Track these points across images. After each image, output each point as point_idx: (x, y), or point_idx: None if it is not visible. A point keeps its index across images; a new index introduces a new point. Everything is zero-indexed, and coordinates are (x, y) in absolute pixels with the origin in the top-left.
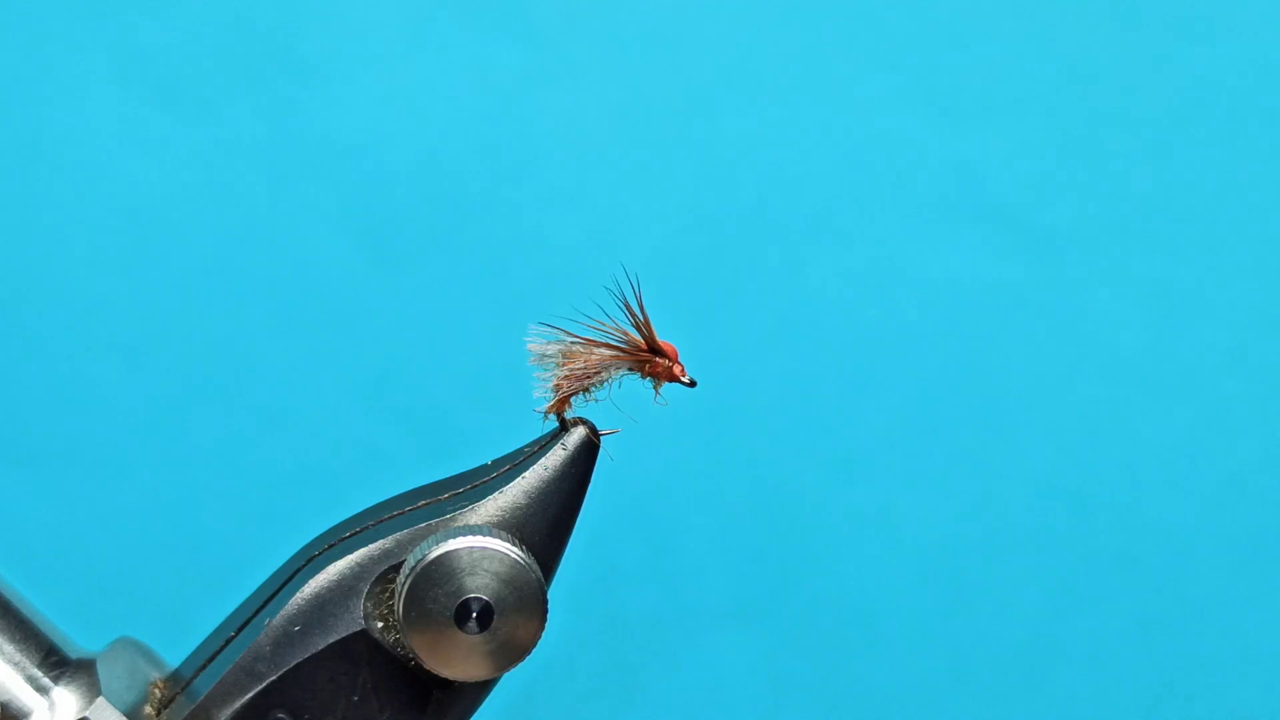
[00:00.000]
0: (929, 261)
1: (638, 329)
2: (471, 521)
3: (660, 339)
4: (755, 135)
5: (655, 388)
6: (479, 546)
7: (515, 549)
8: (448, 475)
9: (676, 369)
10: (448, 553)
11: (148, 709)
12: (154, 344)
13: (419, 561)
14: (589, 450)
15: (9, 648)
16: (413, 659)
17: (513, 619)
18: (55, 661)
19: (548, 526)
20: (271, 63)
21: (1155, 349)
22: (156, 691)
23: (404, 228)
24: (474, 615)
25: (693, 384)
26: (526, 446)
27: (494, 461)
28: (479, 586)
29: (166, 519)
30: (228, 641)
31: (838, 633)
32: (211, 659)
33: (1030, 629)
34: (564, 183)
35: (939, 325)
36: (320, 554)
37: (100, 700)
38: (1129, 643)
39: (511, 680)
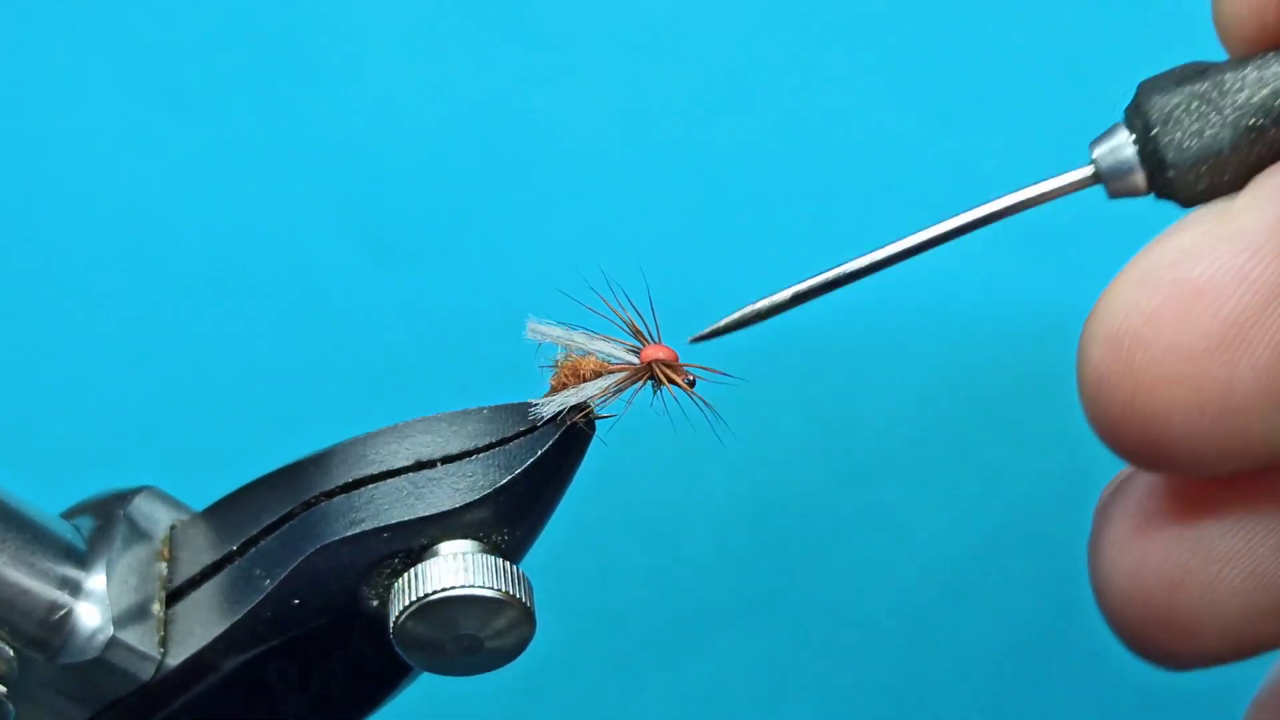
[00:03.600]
0: (928, 261)
1: (636, 338)
2: (472, 519)
3: (659, 344)
4: (755, 135)
5: (654, 390)
6: (480, 596)
7: (512, 590)
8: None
9: (675, 372)
10: (449, 597)
11: (160, 562)
12: (155, 342)
13: (421, 598)
14: (582, 441)
15: (34, 556)
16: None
17: (496, 648)
18: (75, 558)
19: (536, 516)
20: (273, 63)
21: None
22: (165, 551)
23: (404, 227)
24: (463, 647)
25: (691, 385)
26: (520, 410)
27: (490, 412)
28: (473, 626)
29: None
30: (225, 559)
31: (838, 633)
32: (211, 571)
33: (1030, 629)
34: (563, 183)
35: (939, 325)
36: (316, 502)
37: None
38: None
39: (512, 680)
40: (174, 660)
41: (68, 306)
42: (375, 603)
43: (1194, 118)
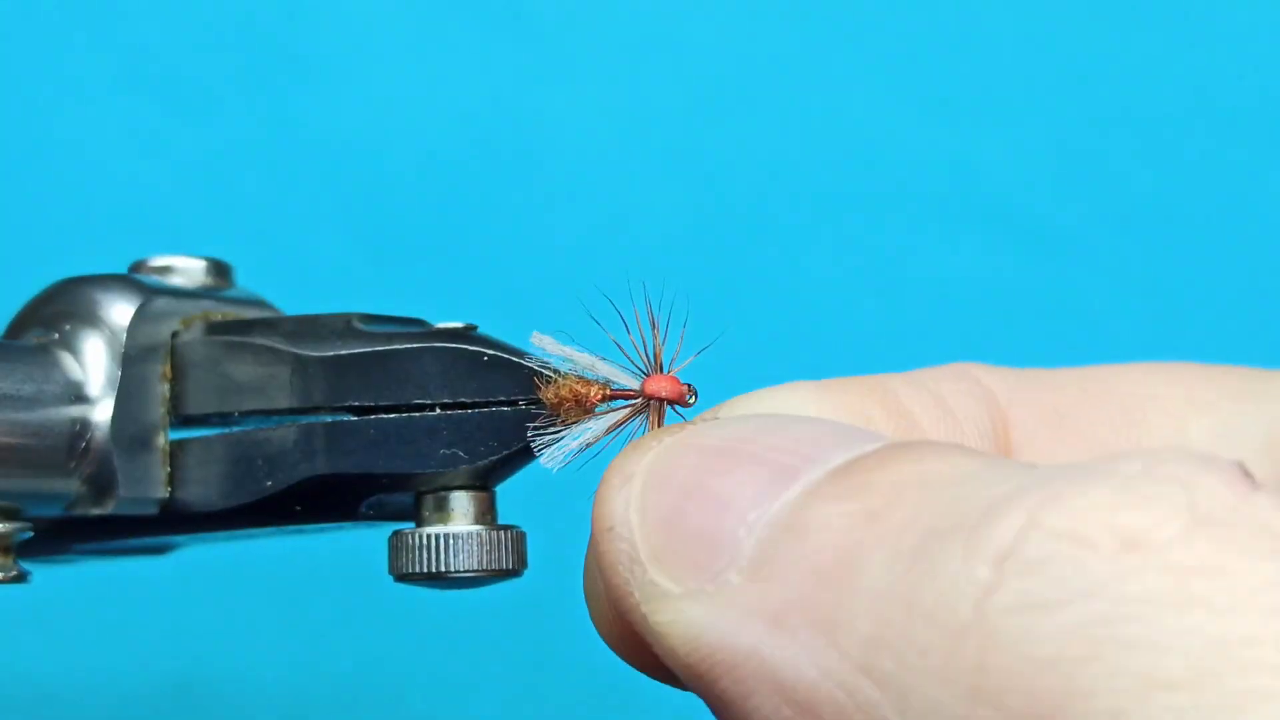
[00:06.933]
0: (929, 261)
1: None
2: (465, 472)
3: (662, 374)
4: (755, 135)
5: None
6: (476, 574)
7: (506, 564)
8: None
9: (683, 392)
10: (444, 572)
11: (163, 384)
12: None
13: (419, 573)
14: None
15: (42, 383)
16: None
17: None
18: (76, 386)
19: (522, 466)
20: (272, 63)
21: (1155, 348)
22: (166, 370)
23: (404, 228)
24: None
25: (693, 402)
26: (525, 370)
27: (494, 361)
28: (468, 582)
29: None
30: (229, 416)
31: None
32: (215, 420)
33: None
34: (564, 183)
35: (939, 324)
36: (318, 411)
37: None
38: None
39: (511, 680)
40: (178, 502)
41: None
42: (372, 513)
43: None
